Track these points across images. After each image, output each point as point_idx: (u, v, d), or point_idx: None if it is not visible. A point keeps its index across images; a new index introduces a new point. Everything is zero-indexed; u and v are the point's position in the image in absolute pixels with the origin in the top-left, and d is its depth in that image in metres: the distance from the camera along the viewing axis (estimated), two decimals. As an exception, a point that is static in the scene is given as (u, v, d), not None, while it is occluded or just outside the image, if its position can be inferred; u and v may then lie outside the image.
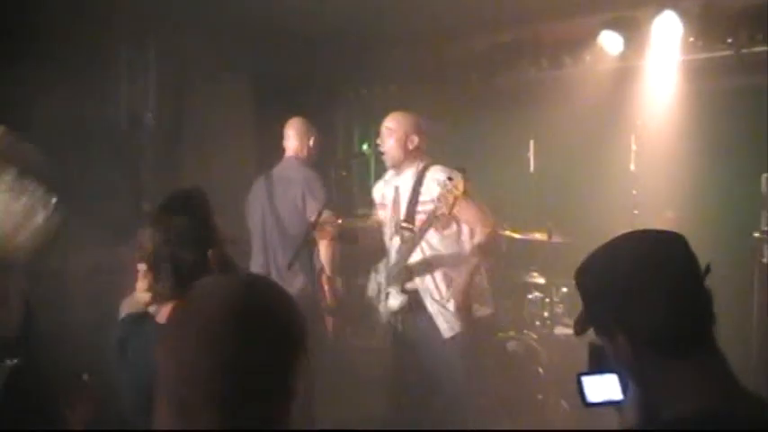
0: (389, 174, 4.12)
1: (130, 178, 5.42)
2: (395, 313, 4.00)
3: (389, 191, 4.11)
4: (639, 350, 1.49)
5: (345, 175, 3.99)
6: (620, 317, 1.50)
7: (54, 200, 2.59)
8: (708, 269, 1.50)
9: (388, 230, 4.12)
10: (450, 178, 3.51)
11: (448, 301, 3.90)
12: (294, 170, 4.69)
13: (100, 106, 5.45)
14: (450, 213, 3.59)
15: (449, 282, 3.92)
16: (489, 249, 3.99)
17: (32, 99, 4.56)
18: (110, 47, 5.50)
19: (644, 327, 1.47)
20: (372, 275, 4.24)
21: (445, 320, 3.90)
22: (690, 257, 1.51)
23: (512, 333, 5.30)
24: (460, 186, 3.47)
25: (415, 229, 3.88)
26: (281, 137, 4.89)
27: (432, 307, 3.92)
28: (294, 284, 4.17)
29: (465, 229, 3.96)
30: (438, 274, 3.93)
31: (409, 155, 3.98)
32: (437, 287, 3.93)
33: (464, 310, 3.89)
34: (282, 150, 4.90)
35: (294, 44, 6.38)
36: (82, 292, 4.83)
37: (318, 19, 5.68)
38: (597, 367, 1.61)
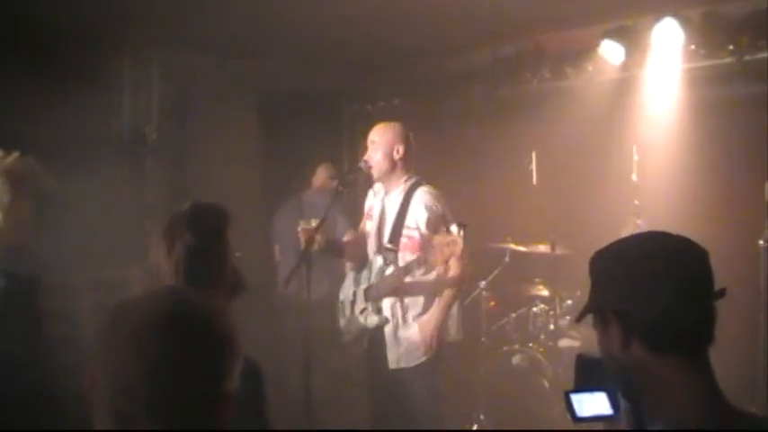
0: (378, 185, 4.10)
1: (133, 194, 5.44)
2: (366, 330, 3.99)
3: (377, 204, 4.10)
4: (629, 341, 1.48)
5: (342, 190, 3.96)
6: (619, 304, 1.50)
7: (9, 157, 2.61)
8: (722, 292, 1.49)
9: (371, 243, 4.10)
10: (448, 231, 3.48)
11: (405, 331, 3.90)
12: (326, 197, 5.14)
13: (103, 121, 5.50)
14: (441, 265, 3.63)
15: (414, 314, 3.90)
16: (463, 281, 3.97)
17: (35, 114, 4.60)
18: (114, 62, 5.55)
19: (638, 317, 1.46)
20: (351, 277, 4.19)
21: (396, 352, 3.90)
22: (704, 269, 1.50)
23: (517, 346, 5.25)
24: (459, 245, 3.43)
25: (399, 251, 3.87)
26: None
27: (388, 337, 3.92)
28: (320, 290, 4.33)
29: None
30: (407, 304, 3.91)
31: (396, 166, 3.95)
32: (403, 317, 3.92)
33: (434, 344, 3.87)
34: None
35: (297, 61, 6.42)
36: (83, 308, 4.84)
37: (321, 36, 5.70)
38: (585, 380, 1.58)
